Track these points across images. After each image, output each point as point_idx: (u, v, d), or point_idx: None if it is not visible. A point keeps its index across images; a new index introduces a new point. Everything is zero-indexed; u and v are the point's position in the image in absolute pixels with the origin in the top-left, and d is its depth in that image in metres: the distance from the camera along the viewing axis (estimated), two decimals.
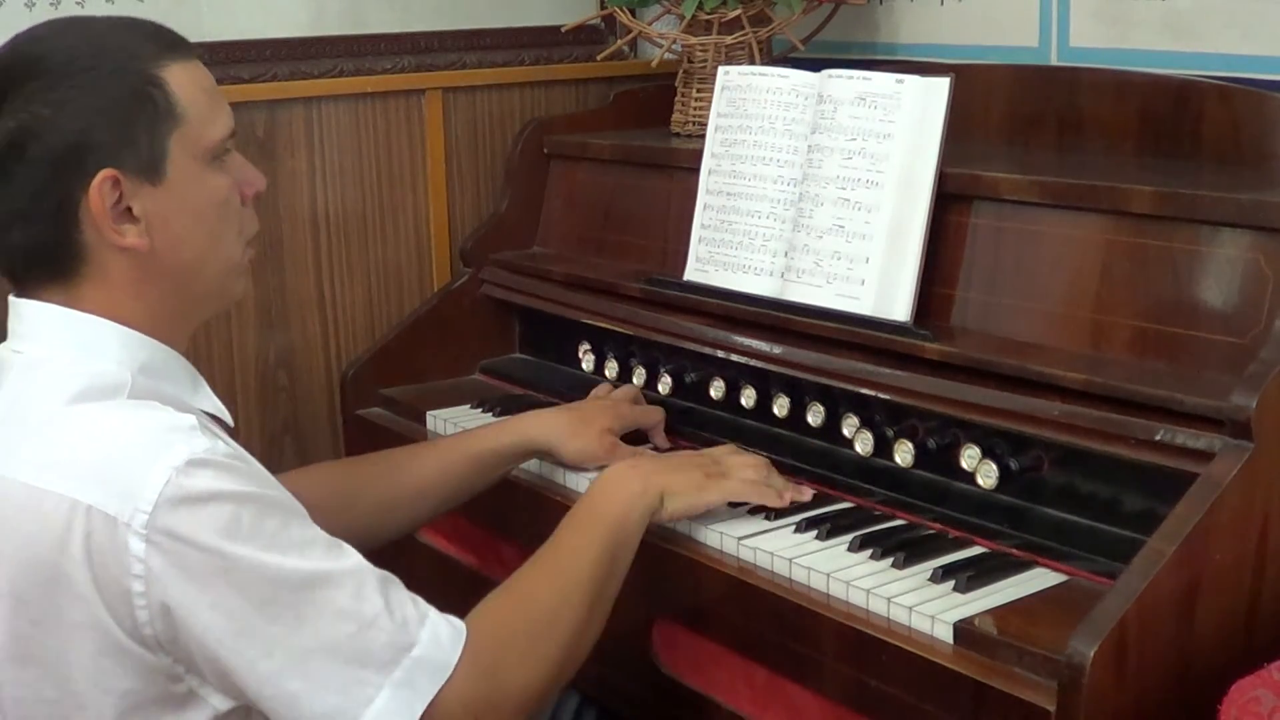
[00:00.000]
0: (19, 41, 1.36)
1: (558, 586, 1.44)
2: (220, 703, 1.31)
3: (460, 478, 1.77)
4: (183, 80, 1.36)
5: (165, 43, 1.38)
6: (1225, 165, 1.82)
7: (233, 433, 1.44)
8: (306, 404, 2.40)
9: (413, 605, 1.32)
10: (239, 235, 1.44)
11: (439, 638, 1.31)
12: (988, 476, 1.61)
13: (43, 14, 2.13)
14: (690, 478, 1.62)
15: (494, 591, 1.43)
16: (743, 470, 1.67)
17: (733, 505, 1.69)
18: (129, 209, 1.33)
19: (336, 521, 1.44)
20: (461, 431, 1.94)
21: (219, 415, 1.43)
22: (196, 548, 1.23)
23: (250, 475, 1.30)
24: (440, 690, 1.30)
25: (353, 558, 1.32)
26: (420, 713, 1.28)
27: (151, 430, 1.28)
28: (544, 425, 1.81)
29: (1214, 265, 1.50)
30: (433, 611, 1.33)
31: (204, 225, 1.39)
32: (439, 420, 2.11)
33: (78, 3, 2.17)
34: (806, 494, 1.69)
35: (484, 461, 1.79)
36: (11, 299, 1.39)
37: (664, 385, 2.02)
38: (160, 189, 1.35)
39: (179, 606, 1.24)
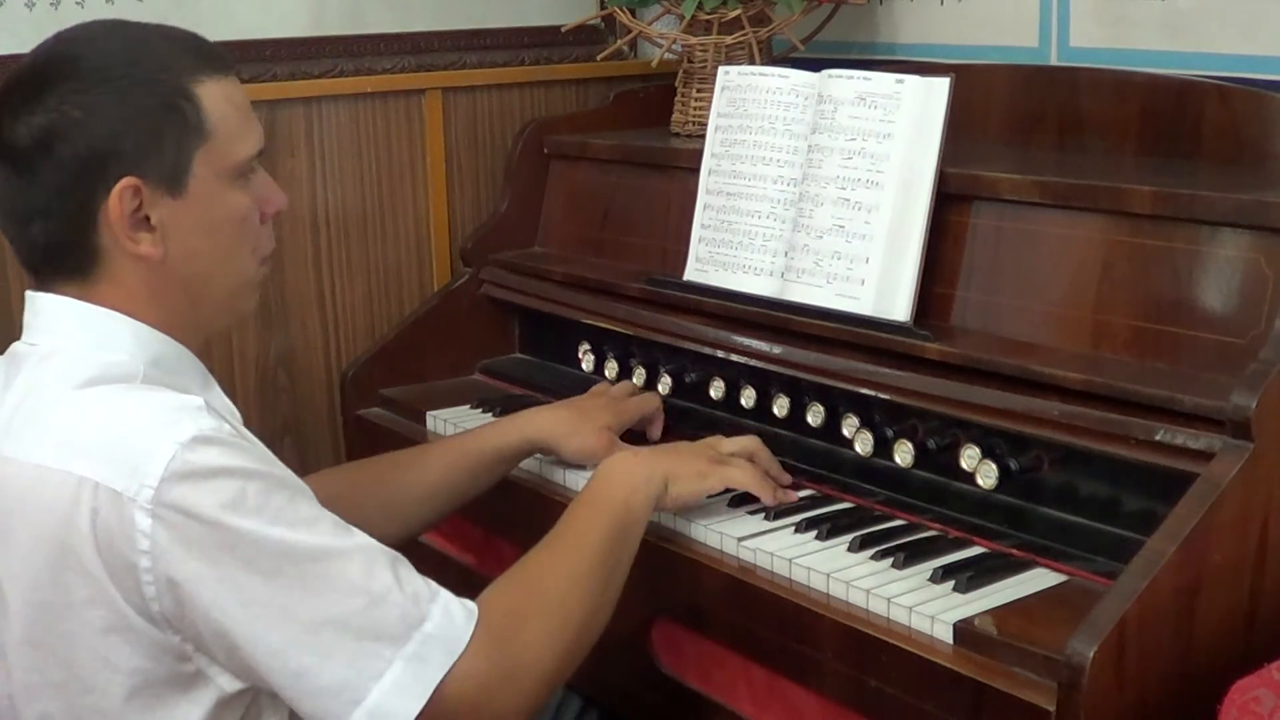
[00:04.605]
0: (61, 39, 1.37)
1: (568, 571, 1.44)
2: (228, 684, 1.31)
3: (463, 479, 1.77)
4: (216, 96, 1.36)
5: (204, 57, 1.38)
6: (1225, 165, 1.81)
7: None
8: (306, 404, 2.40)
9: (424, 583, 1.33)
10: (253, 253, 1.44)
11: (452, 614, 1.31)
12: (988, 476, 1.61)
13: (43, 14, 2.14)
14: (692, 464, 1.64)
15: (504, 575, 1.43)
16: (739, 448, 1.69)
17: (732, 505, 1.69)
18: (146, 218, 1.34)
19: None
20: (462, 432, 1.94)
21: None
22: (202, 521, 1.24)
23: (256, 454, 1.31)
24: (453, 667, 1.29)
25: (361, 536, 1.32)
26: (432, 688, 1.27)
27: (158, 409, 1.29)
28: (544, 423, 1.81)
29: (1214, 265, 1.50)
30: (444, 591, 1.34)
31: (219, 241, 1.40)
32: (439, 420, 2.11)
33: (78, 2, 2.17)
34: (793, 496, 1.71)
35: (486, 461, 1.79)
36: (28, 293, 1.40)
37: (664, 385, 2.02)
38: (179, 201, 1.35)
39: (185, 581, 1.24)
